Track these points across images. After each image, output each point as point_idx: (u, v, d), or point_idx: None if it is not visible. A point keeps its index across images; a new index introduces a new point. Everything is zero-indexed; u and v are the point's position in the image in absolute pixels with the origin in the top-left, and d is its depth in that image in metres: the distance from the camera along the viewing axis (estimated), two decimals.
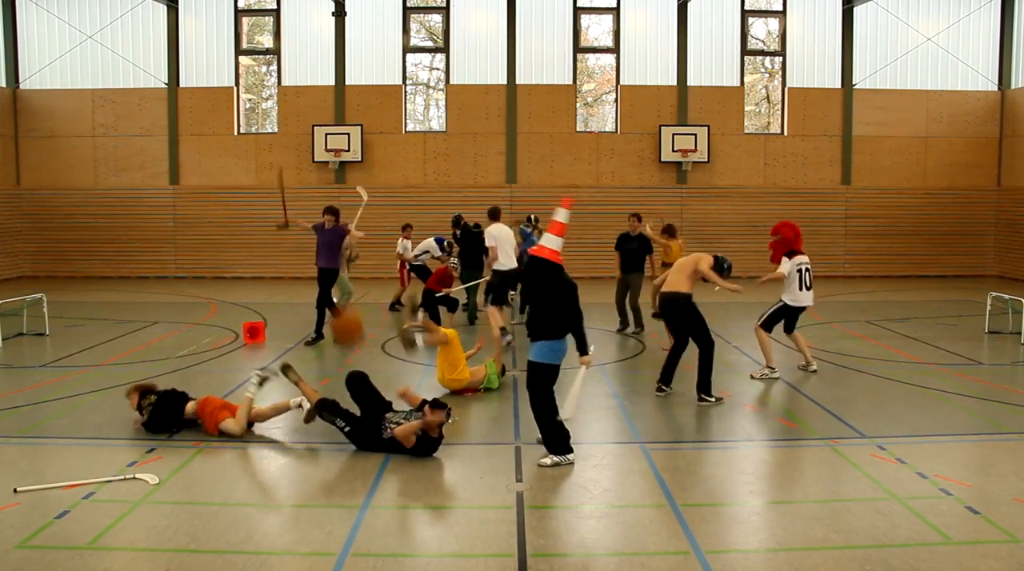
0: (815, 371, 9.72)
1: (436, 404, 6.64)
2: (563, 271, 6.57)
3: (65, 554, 4.81)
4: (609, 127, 21.25)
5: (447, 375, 8.65)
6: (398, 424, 6.65)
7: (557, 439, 6.44)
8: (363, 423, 6.81)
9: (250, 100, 21.96)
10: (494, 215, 12.52)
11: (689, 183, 20.75)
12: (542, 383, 6.49)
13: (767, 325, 9.60)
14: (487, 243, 12.32)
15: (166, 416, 7.22)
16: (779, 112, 21.23)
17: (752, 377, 9.50)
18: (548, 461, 6.38)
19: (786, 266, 9.48)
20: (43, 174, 20.82)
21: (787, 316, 9.69)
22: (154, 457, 6.55)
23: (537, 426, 6.58)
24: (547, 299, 6.50)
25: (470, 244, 13.41)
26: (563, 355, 6.56)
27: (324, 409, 6.91)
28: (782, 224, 9.76)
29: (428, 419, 6.50)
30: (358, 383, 7.15)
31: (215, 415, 7.16)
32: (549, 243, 6.59)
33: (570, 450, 6.47)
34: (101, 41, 20.57)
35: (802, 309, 9.64)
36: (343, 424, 6.80)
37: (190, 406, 7.32)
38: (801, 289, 9.51)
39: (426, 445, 6.54)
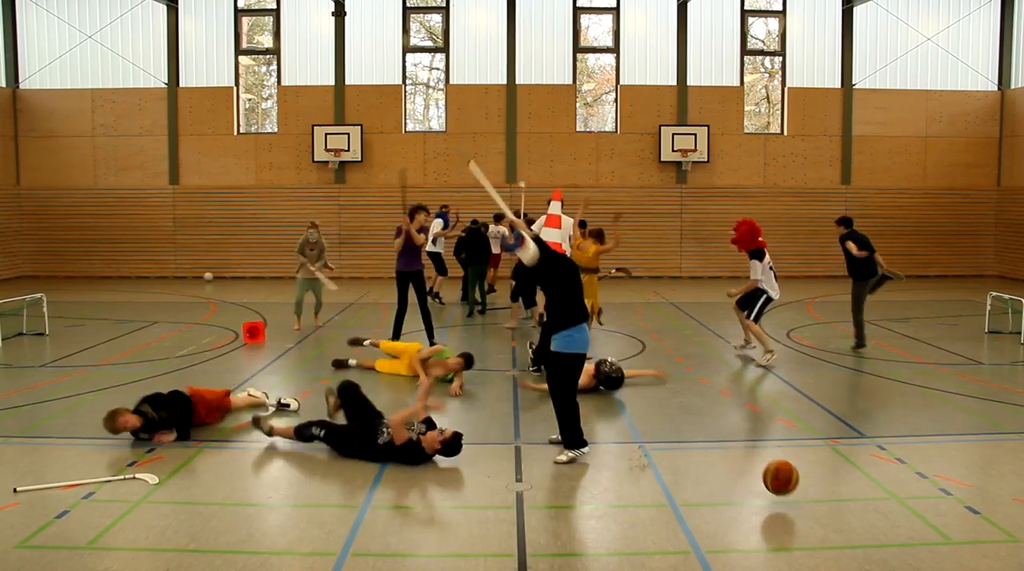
0: (746, 347, 10.62)
1: (451, 442, 6.43)
2: (563, 258, 6.77)
3: (65, 554, 4.81)
4: (609, 127, 21.25)
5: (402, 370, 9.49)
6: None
7: (574, 433, 6.50)
8: (351, 431, 6.69)
9: (250, 100, 21.96)
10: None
11: (689, 183, 20.75)
12: (565, 374, 6.54)
13: (757, 318, 10.22)
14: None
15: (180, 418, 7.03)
16: (779, 112, 21.23)
17: (758, 365, 9.98)
18: (564, 458, 6.43)
19: (758, 271, 10.10)
20: (43, 174, 20.82)
21: (765, 306, 10.30)
22: (154, 457, 6.55)
23: (557, 420, 6.63)
24: (554, 287, 6.62)
25: (475, 242, 14.20)
26: (586, 344, 6.63)
27: (299, 433, 6.77)
28: (742, 222, 10.29)
29: (428, 439, 6.39)
30: (349, 393, 7.07)
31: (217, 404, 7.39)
32: (548, 237, 6.77)
33: (584, 444, 6.55)
34: (101, 41, 20.56)
35: (772, 300, 10.36)
36: (319, 431, 6.68)
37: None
38: (775, 281, 10.28)
39: (416, 454, 6.37)
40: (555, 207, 6.69)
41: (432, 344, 10.50)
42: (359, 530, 5.15)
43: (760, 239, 10.26)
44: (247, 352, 11.02)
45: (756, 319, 10.18)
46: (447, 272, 15.97)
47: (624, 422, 7.71)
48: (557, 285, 6.61)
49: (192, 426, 7.12)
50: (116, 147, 20.74)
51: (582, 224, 12.23)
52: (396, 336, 10.87)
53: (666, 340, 11.91)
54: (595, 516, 5.51)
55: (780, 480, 5.53)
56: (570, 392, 6.55)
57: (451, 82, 20.76)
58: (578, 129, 20.99)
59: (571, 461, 6.41)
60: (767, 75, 21.81)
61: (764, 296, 10.14)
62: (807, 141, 20.88)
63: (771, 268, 10.21)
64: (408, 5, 20.75)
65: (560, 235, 6.87)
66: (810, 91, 20.89)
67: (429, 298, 14.41)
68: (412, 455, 6.37)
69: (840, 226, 11.40)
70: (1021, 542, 4.99)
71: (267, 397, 8.00)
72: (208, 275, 19.88)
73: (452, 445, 6.39)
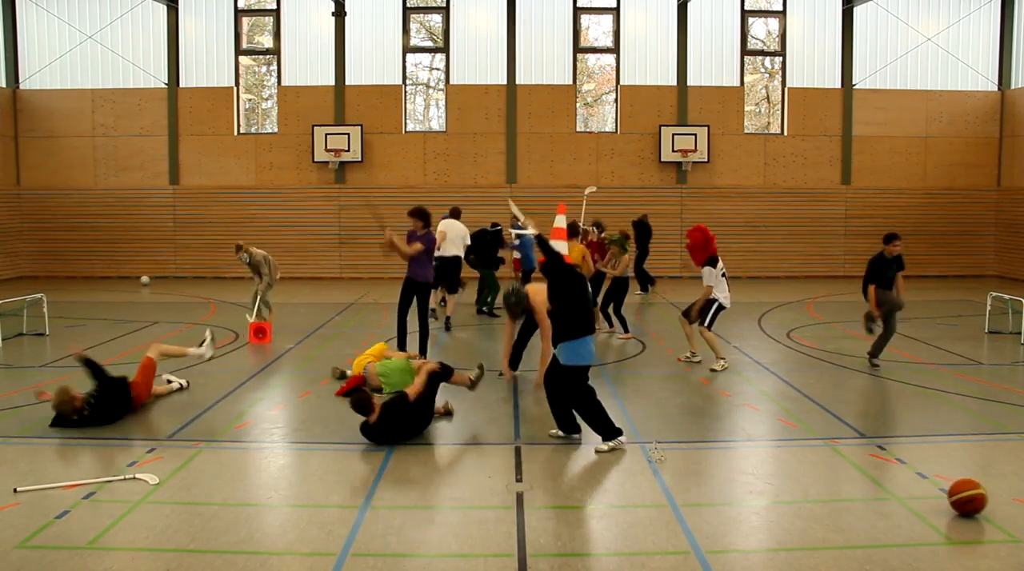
0: (692, 359, 10.22)
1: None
2: (570, 270, 6.95)
3: (65, 554, 4.81)
4: (609, 127, 21.25)
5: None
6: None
7: (606, 425, 6.73)
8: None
9: (250, 100, 21.96)
10: (455, 214, 13.64)
11: (689, 183, 20.75)
12: (571, 384, 6.75)
13: (710, 325, 9.92)
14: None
15: (113, 405, 7.57)
16: (779, 112, 21.23)
17: (712, 370, 9.75)
18: (606, 447, 6.68)
19: (711, 277, 9.82)
20: (43, 174, 20.83)
21: (717, 314, 10.01)
22: (154, 457, 6.55)
23: (584, 421, 6.85)
24: (561, 301, 6.77)
25: (482, 245, 14.07)
26: (590, 355, 6.78)
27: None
28: (694, 229, 10.09)
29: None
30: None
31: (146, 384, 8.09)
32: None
33: (620, 432, 6.77)
34: (101, 41, 20.57)
35: (724, 308, 10.06)
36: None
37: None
38: (728, 290, 10.00)
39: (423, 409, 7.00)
40: (560, 221, 6.83)
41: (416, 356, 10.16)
42: (359, 530, 5.15)
43: (713, 245, 10.03)
44: (247, 352, 11.02)
45: (709, 326, 9.90)
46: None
47: (624, 422, 7.70)
48: (564, 297, 6.74)
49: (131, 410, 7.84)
50: (116, 147, 20.74)
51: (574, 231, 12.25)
52: (401, 345, 10.20)
53: (666, 340, 11.90)
54: (595, 516, 5.51)
55: (974, 505, 5.34)
56: (585, 395, 6.77)
57: (451, 82, 20.76)
58: (578, 129, 20.99)
59: (612, 450, 6.66)
60: (767, 75, 21.81)
61: (716, 304, 9.86)
62: (807, 141, 20.88)
63: (724, 274, 9.91)
64: (408, 5, 20.75)
65: (564, 248, 7.02)
66: (810, 91, 20.89)
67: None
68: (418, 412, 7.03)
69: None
70: (1021, 542, 4.99)
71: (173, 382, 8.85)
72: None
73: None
